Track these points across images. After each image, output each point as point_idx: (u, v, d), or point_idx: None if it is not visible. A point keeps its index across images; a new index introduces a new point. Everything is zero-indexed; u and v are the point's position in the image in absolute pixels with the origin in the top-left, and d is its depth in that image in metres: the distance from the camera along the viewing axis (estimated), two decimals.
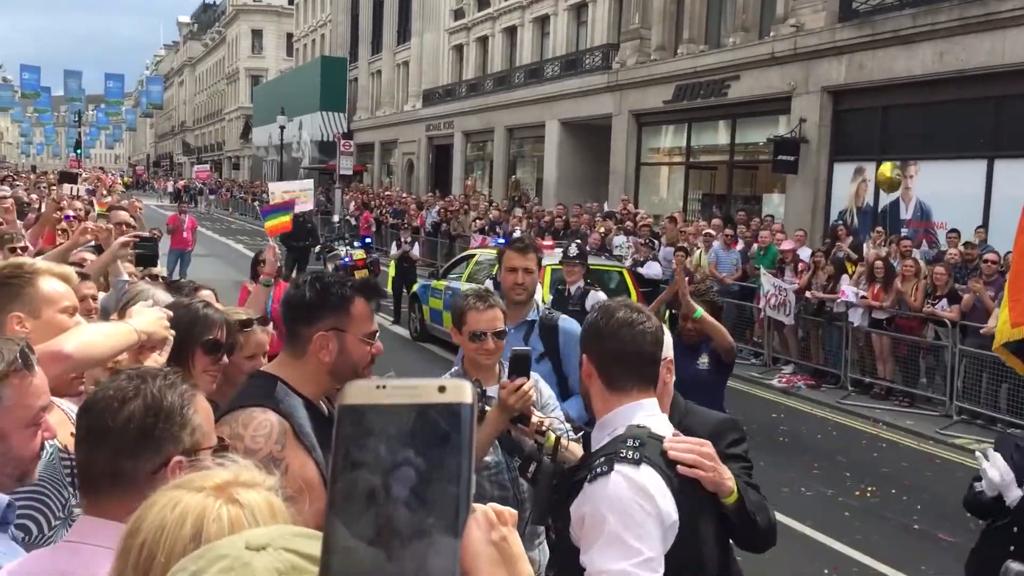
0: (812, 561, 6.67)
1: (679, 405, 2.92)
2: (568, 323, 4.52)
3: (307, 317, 2.44)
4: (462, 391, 0.67)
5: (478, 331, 3.48)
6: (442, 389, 0.67)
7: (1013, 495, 3.80)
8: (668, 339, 2.80)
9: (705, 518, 2.32)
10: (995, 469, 3.83)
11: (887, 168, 15.75)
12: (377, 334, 2.54)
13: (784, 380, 12.95)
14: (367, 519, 0.64)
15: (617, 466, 2.19)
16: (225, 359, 2.93)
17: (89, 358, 2.36)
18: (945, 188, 15.40)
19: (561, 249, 13.87)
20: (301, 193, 8.38)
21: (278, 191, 9.25)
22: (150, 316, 2.49)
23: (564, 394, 4.28)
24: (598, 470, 2.22)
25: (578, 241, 11.25)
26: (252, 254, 9.33)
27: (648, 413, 2.40)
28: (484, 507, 0.67)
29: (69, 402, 2.44)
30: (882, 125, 16.96)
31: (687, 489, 2.25)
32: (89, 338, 2.37)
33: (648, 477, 2.17)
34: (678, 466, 2.28)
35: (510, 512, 1.78)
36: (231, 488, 1.27)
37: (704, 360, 5.60)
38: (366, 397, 0.68)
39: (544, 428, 3.00)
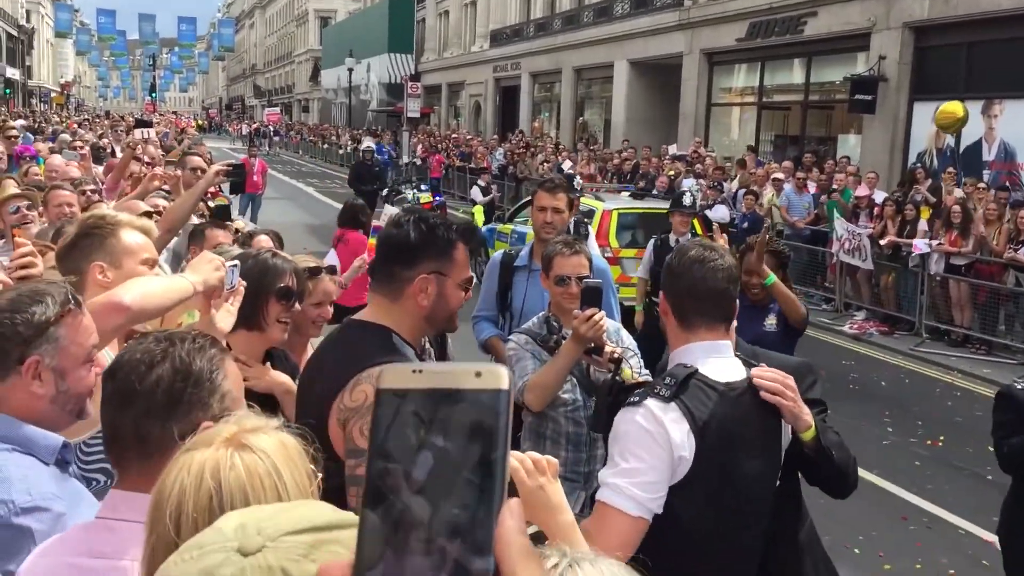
0: (881, 510, 6.62)
1: (743, 349, 2.94)
2: (599, 261, 4.55)
3: (409, 258, 2.36)
4: (498, 377, 0.66)
5: (563, 275, 3.65)
6: (478, 374, 0.66)
7: None
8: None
9: (749, 465, 2.37)
10: None
11: (956, 106, 14.38)
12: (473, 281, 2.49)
13: (856, 326, 12.72)
14: (396, 508, 0.65)
15: (648, 399, 2.31)
16: (296, 306, 2.97)
17: (146, 310, 2.36)
18: None
19: (628, 192, 13.80)
20: None
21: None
22: (204, 266, 2.48)
23: None
24: (634, 399, 2.35)
25: (693, 189, 10.91)
26: (322, 197, 9.40)
27: (721, 355, 2.44)
28: (522, 455, 0.68)
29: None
30: (967, 62, 16.27)
31: (726, 436, 2.32)
32: (147, 290, 2.38)
33: (670, 414, 2.28)
34: (761, 393, 2.39)
35: (549, 460, 1.86)
36: (239, 437, 1.28)
37: (772, 322, 5.21)
38: (403, 381, 0.67)
39: (617, 356, 3.11)
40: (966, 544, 6.07)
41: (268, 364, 2.93)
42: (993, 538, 6.35)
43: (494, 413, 0.65)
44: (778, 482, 2.59)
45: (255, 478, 1.25)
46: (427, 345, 4.29)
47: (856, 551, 5.96)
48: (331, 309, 3.63)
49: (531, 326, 3.79)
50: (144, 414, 1.64)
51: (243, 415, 1.37)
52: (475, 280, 2.53)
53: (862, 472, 7.23)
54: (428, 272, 2.34)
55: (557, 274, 3.67)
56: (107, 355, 2.38)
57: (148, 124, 10.93)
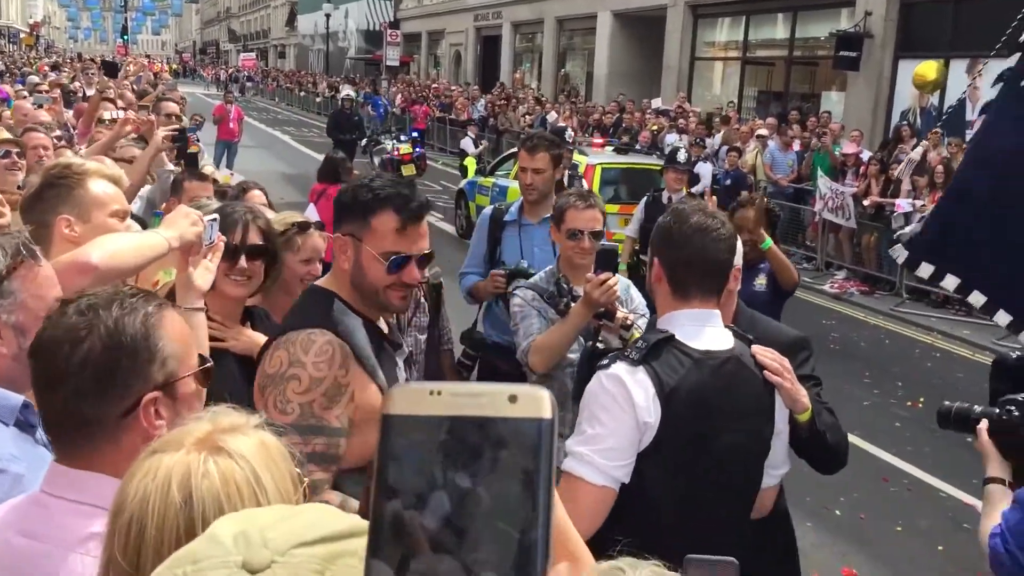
0: (862, 472, 6.62)
1: (744, 314, 2.90)
2: None
3: (336, 218, 2.34)
4: (540, 403, 0.52)
5: (575, 229, 3.53)
6: (513, 398, 0.52)
7: None
8: (738, 247, 2.73)
9: (728, 437, 2.29)
10: None
11: (930, 68, 14.41)
12: (413, 258, 2.29)
13: (836, 286, 12.71)
14: (410, 563, 0.51)
15: (617, 363, 2.25)
16: (243, 263, 2.78)
17: (116, 269, 2.19)
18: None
19: (612, 147, 13.64)
20: None
21: None
22: (180, 221, 2.33)
23: None
24: (604, 362, 2.29)
25: (680, 143, 10.81)
26: (299, 146, 9.20)
27: (708, 324, 2.35)
28: (566, 567, 0.51)
29: None
30: (953, 20, 16.12)
31: (698, 405, 2.25)
32: (117, 248, 2.21)
33: (636, 378, 2.21)
34: (766, 372, 2.35)
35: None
36: (214, 438, 1.12)
37: (761, 281, 5.22)
38: (415, 406, 0.54)
39: (629, 323, 3.03)
40: (947, 506, 6.09)
41: (248, 324, 2.80)
42: (973, 501, 6.38)
43: (534, 450, 0.51)
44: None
45: (231, 487, 1.09)
46: (422, 300, 4.18)
47: (837, 512, 5.96)
48: (320, 266, 3.49)
49: (538, 281, 3.66)
50: (74, 395, 1.47)
51: (218, 411, 1.20)
52: (413, 258, 2.32)
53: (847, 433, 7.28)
54: (346, 234, 2.29)
55: (569, 227, 3.54)
56: None
57: (115, 67, 10.61)
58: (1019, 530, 2.44)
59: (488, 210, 4.74)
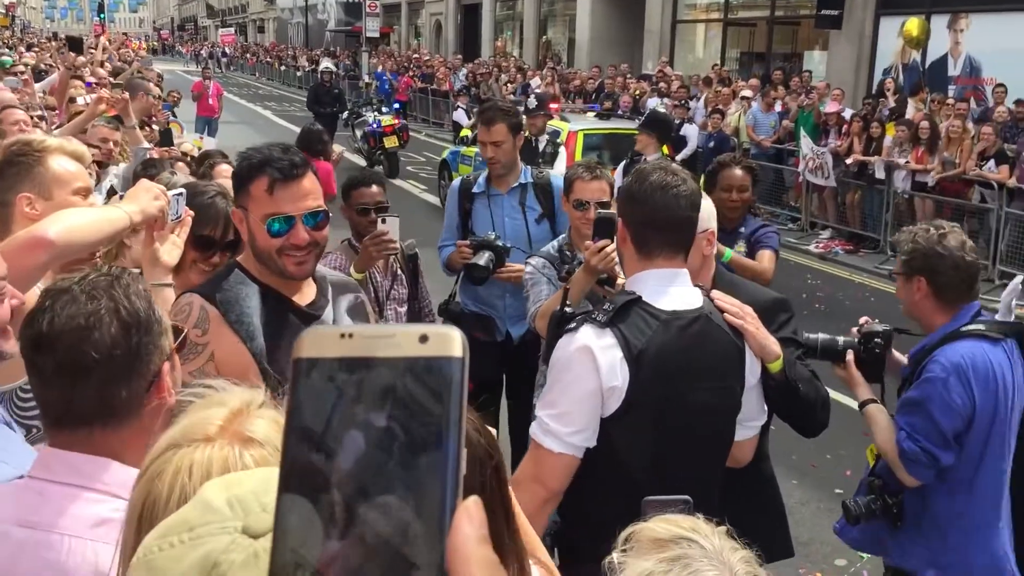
0: (845, 428, 6.64)
1: (723, 279, 2.88)
2: (555, 178, 4.51)
3: (234, 191, 2.39)
4: (451, 342, 0.52)
5: (583, 200, 3.61)
6: (424, 339, 0.52)
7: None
8: (711, 210, 2.71)
9: (697, 396, 2.28)
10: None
11: (914, 25, 14.51)
12: (297, 218, 2.26)
13: (821, 245, 12.73)
14: (320, 504, 0.51)
15: (585, 326, 2.24)
16: (217, 258, 2.76)
17: (74, 244, 2.14)
18: (997, 43, 14.65)
19: (593, 112, 13.58)
20: None
21: None
22: (142, 195, 2.27)
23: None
24: (571, 325, 2.28)
25: (661, 107, 10.84)
26: (281, 121, 9.12)
27: (676, 284, 2.33)
28: (475, 500, 0.50)
29: None
30: None
31: (666, 366, 2.24)
32: (74, 222, 2.15)
33: (604, 340, 2.20)
34: (725, 315, 2.35)
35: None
36: (238, 426, 1.06)
37: (741, 249, 4.87)
38: (326, 348, 0.53)
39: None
40: None
41: None
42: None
43: (445, 388, 0.51)
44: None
45: (268, 480, 1.04)
46: (399, 272, 4.17)
47: (822, 469, 6.00)
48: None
49: (550, 250, 3.78)
50: (106, 382, 1.44)
51: (219, 389, 1.14)
52: (298, 218, 2.28)
53: (829, 391, 7.30)
54: (238, 207, 2.29)
55: (577, 198, 3.63)
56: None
57: (80, 43, 10.49)
58: (925, 428, 2.81)
59: (456, 181, 4.72)
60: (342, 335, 0.54)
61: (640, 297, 2.27)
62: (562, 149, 9.16)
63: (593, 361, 2.19)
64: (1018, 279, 3.95)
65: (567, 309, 2.68)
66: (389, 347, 0.53)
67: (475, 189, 4.54)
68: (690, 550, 1.25)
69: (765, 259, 4.77)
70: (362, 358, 0.53)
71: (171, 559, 0.76)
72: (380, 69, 27.81)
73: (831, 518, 5.49)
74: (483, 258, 4.01)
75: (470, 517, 0.49)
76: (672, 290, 2.31)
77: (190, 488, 1.01)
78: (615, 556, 1.28)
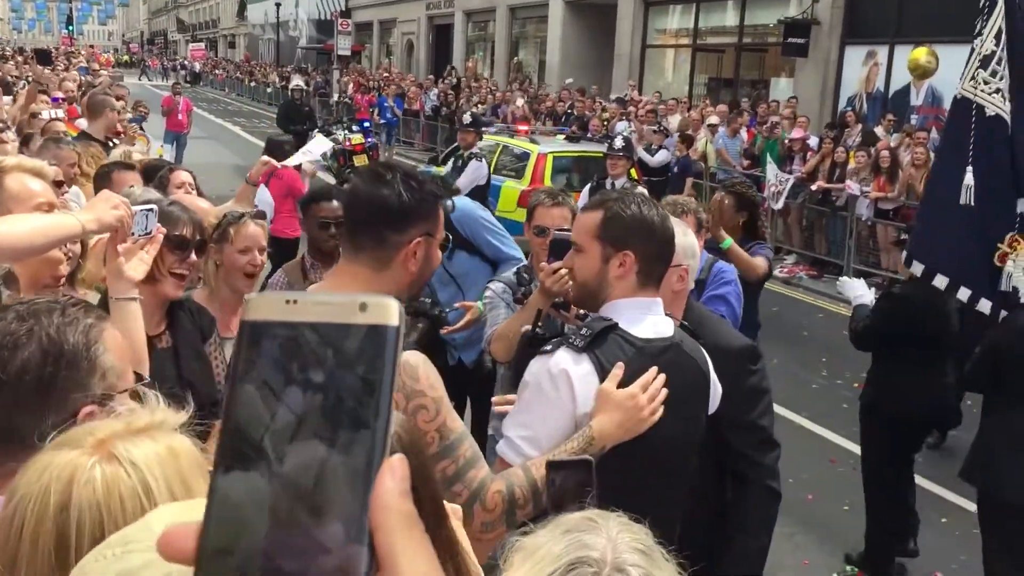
0: (809, 453, 6.73)
1: (692, 314, 2.86)
2: (459, 201, 4.49)
3: (402, 221, 2.11)
4: (387, 310, 0.56)
5: (542, 226, 3.61)
6: (363, 307, 0.56)
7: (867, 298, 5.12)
8: (690, 247, 2.72)
9: (667, 423, 2.24)
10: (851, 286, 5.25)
11: (921, 54, 14.53)
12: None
13: (786, 270, 12.87)
14: (258, 460, 0.54)
15: (561, 350, 2.24)
16: (193, 257, 2.78)
17: (11, 247, 2.06)
18: (960, 74, 14.93)
19: (563, 135, 13.65)
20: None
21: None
22: (99, 204, 2.23)
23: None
24: (547, 348, 2.28)
25: (625, 134, 10.96)
26: (250, 137, 9.07)
27: (653, 313, 2.35)
28: (399, 458, 0.55)
29: None
30: (899, 6, 16.35)
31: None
32: (13, 227, 2.09)
33: (581, 366, 2.20)
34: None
35: (453, 509, 1.74)
36: (114, 441, 1.06)
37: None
38: (273, 312, 0.57)
39: (584, 312, 3.04)
40: None
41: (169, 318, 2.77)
42: (917, 479, 6.51)
43: (379, 352, 0.55)
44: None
45: (114, 498, 1.03)
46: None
47: (785, 493, 6.03)
48: (261, 257, 3.43)
49: (511, 275, 3.78)
50: (12, 405, 1.40)
51: (147, 409, 1.14)
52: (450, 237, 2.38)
53: (792, 415, 7.39)
54: (420, 235, 2.11)
55: (537, 224, 3.65)
56: None
57: (48, 56, 10.39)
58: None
59: None
60: (287, 301, 0.57)
61: (616, 324, 2.28)
62: (473, 162, 9.46)
63: (569, 386, 2.19)
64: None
65: (539, 331, 2.68)
66: (330, 313, 0.56)
67: None
68: (585, 528, 1.34)
69: (759, 260, 5.26)
70: (305, 323, 0.56)
71: (97, 570, 0.81)
72: (383, 95, 26.34)
73: (793, 544, 5.54)
74: (415, 332, 3.73)
75: (393, 471, 0.53)
76: (648, 318, 2.33)
77: (35, 491, 1.02)
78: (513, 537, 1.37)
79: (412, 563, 0.52)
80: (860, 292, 5.16)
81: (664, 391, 2.25)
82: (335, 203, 4.19)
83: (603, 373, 2.20)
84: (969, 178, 4.83)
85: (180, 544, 0.54)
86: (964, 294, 4.82)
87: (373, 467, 0.53)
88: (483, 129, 9.95)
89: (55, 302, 1.52)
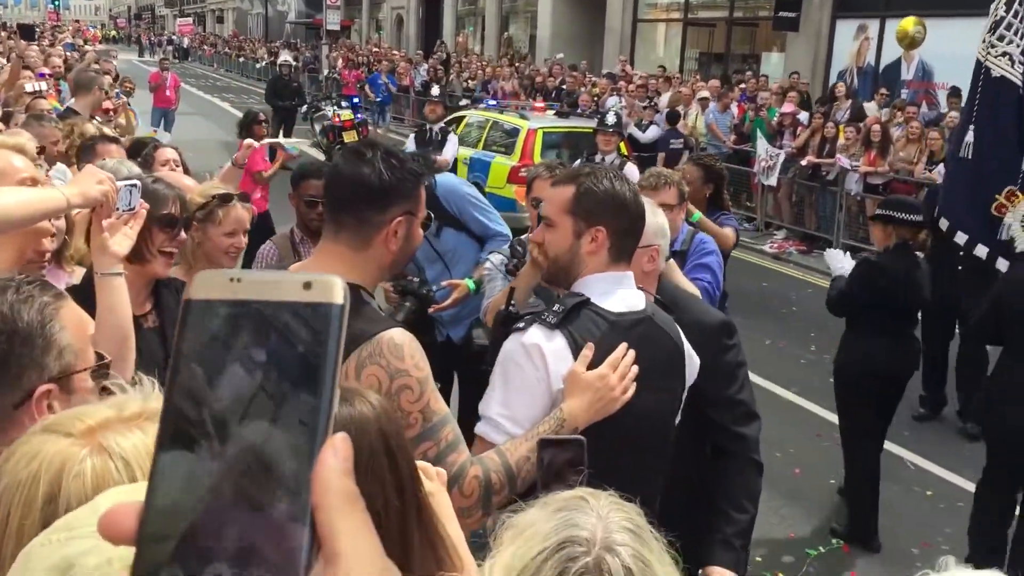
0: (796, 427, 6.77)
1: (666, 292, 2.85)
2: (441, 178, 4.49)
3: (383, 201, 2.11)
4: (331, 289, 0.56)
5: (540, 198, 3.59)
6: (308, 285, 0.55)
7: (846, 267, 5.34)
8: (661, 227, 2.71)
9: (640, 397, 2.25)
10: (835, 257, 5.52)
11: (909, 23, 14.47)
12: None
13: (776, 246, 12.89)
14: (199, 440, 0.54)
15: (534, 326, 2.23)
16: (183, 235, 2.78)
17: None
18: (950, 48, 14.92)
19: (553, 110, 13.59)
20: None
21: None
22: (85, 179, 2.21)
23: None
24: (521, 325, 2.27)
25: (616, 109, 10.94)
26: (239, 113, 9.04)
27: (624, 287, 2.35)
28: (342, 436, 0.55)
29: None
30: None
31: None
32: None
33: (554, 343, 2.20)
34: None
35: (438, 471, 1.75)
36: (104, 431, 1.04)
37: None
38: (217, 291, 0.56)
39: None
40: None
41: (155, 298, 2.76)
42: (903, 453, 6.56)
43: (323, 331, 0.55)
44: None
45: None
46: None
47: (771, 468, 6.07)
48: (245, 239, 3.43)
49: (508, 248, 3.87)
50: None
51: (139, 395, 1.12)
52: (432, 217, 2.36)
53: (779, 389, 7.43)
54: (401, 214, 2.12)
55: (535, 196, 3.69)
56: None
57: (32, 31, 10.29)
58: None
59: None
60: (231, 279, 0.56)
61: (589, 299, 2.28)
62: (451, 136, 9.57)
63: (544, 362, 2.19)
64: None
65: (512, 308, 2.67)
66: (274, 291, 0.56)
67: None
68: (575, 507, 1.34)
69: (728, 231, 5.44)
70: (248, 300, 0.56)
71: (42, 555, 0.80)
72: (376, 71, 25.58)
73: (780, 517, 5.58)
74: (403, 312, 3.70)
75: (335, 450, 0.53)
76: (619, 292, 2.33)
77: (24, 479, 1.01)
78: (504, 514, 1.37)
79: (353, 542, 0.51)
80: (841, 264, 5.41)
81: (635, 368, 2.24)
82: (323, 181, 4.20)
83: (576, 349, 2.20)
84: (970, 135, 5.37)
85: (121, 525, 0.53)
86: (962, 239, 5.42)
87: (315, 446, 0.53)
88: (462, 104, 9.95)
89: (9, 280, 1.50)
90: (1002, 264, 5.15)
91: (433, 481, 1.59)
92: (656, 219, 2.63)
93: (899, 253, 5.17)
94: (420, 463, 1.61)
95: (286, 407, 0.53)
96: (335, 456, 0.52)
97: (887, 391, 5.34)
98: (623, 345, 2.24)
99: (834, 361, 5.65)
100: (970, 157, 5.35)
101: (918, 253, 5.36)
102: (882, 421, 5.43)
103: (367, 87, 24.20)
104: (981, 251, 5.34)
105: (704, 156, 6.21)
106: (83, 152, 4.21)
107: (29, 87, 6.28)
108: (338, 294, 0.56)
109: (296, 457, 0.52)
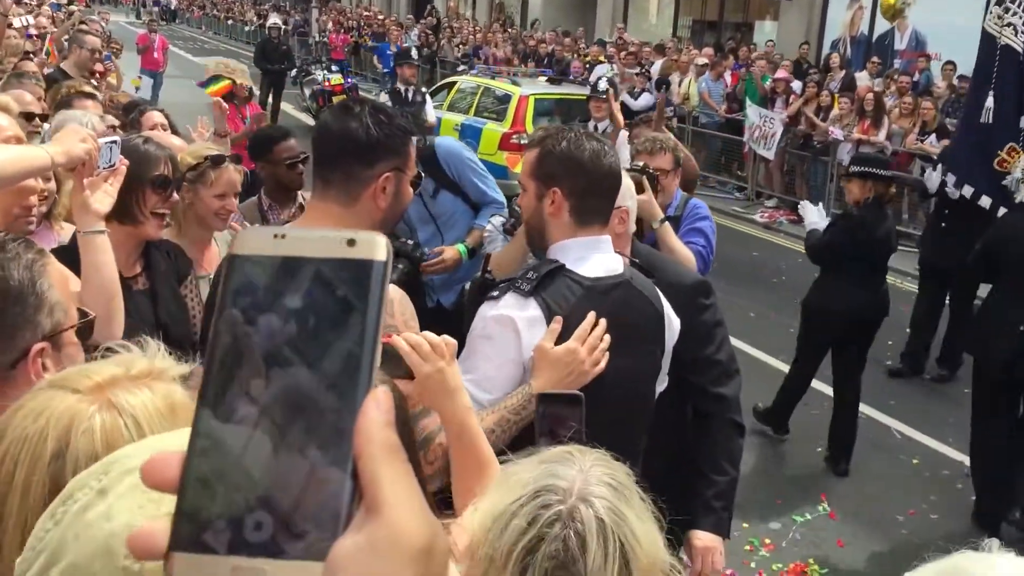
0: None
1: (641, 254, 2.82)
2: (442, 140, 4.48)
3: (370, 156, 2.11)
4: (375, 246, 0.56)
5: None
6: (351, 243, 0.56)
7: (820, 225, 5.80)
8: (629, 188, 2.67)
9: (618, 362, 2.23)
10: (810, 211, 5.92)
11: None
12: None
13: (766, 215, 12.89)
14: (241, 391, 0.54)
15: (508, 294, 2.21)
16: (175, 196, 2.75)
17: None
18: (943, 18, 14.87)
19: (545, 77, 13.50)
20: (237, 71, 7.76)
21: (212, 64, 8.79)
22: (68, 137, 2.18)
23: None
24: (495, 293, 2.24)
25: (608, 76, 10.84)
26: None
27: (600, 252, 2.32)
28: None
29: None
30: None
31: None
32: None
33: (528, 311, 2.18)
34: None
35: (447, 342, 1.76)
36: (113, 388, 1.03)
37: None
38: (261, 247, 0.57)
39: None
40: (863, 428, 6.27)
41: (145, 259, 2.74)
42: (891, 422, 6.62)
43: (366, 285, 0.56)
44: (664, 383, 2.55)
45: (111, 451, 0.99)
46: None
47: (760, 435, 6.12)
48: (236, 201, 3.41)
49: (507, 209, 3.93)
50: None
51: (143, 354, 1.10)
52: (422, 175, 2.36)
53: (767, 357, 7.46)
54: (389, 170, 2.12)
55: None
56: None
57: None
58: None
59: None
60: (275, 235, 0.57)
61: (563, 265, 2.25)
62: (428, 97, 9.57)
63: (515, 332, 2.17)
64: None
65: (488, 275, 2.64)
66: (318, 248, 0.56)
67: None
68: (560, 460, 1.38)
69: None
70: (293, 257, 0.56)
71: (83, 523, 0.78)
72: (385, 42, 24.48)
73: (767, 483, 5.64)
74: (395, 273, 3.83)
75: (378, 402, 0.54)
76: (595, 256, 2.30)
77: (31, 433, 1.00)
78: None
79: (396, 492, 0.52)
80: (815, 219, 5.86)
81: (607, 337, 2.21)
82: (292, 140, 4.30)
83: (551, 316, 2.18)
84: (990, 101, 6.14)
85: (164, 473, 0.54)
86: (968, 191, 6.33)
87: (358, 398, 0.54)
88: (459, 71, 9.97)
89: None
90: (985, 201, 6.02)
91: (443, 357, 1.66)
92: (624, 179, 2.59)
93: (875, 207, 5.62)
94: (429, 335, 1.67)
95: (329, 360, 0.54)
96: (378, 408, 0.53)
97: (851, 335, 5.83)
98: (591, 315, 2.20)
99: (803, 301, 6.02)
100: (991, 121, 6.08)
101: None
102: (835, 360, 6.03)
103: (376, 58, 23.86)
104: (985, 201, 6.16)
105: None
106: (60, 108, 4.16)
107: (17, 23, 6.14)
108: (381, 251, 0.57)
109: (339, 408, 0.53)
